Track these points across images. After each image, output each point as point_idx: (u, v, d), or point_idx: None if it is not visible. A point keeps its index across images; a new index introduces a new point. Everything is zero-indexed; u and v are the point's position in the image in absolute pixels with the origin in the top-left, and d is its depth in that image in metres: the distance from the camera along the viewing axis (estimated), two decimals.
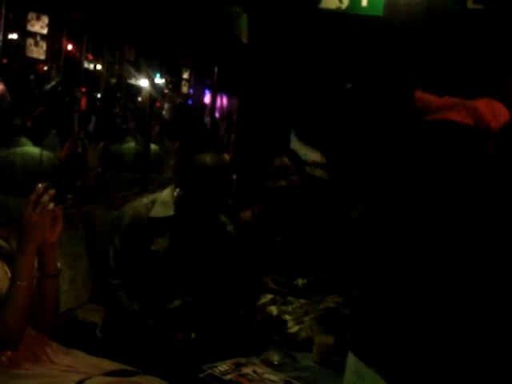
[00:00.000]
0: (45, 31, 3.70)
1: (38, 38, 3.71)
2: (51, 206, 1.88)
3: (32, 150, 4.42)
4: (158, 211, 2.63)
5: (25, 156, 4.38)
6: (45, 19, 3.68)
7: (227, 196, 2.63)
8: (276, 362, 2.29)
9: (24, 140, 4.47)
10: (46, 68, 5.68)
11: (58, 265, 2.04)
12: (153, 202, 2.65)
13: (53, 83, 5.72)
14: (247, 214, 3.12)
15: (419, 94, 2.43)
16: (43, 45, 3.78)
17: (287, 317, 2.77)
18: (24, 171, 4.27)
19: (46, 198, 1.87)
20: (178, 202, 2.65)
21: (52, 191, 1.88)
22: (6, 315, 1.84)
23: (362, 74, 2.47)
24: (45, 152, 4.52)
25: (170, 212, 2.63)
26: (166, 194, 2.69)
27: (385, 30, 2.59)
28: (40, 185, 1.89)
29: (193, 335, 2.50)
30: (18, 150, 4.38)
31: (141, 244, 2.59)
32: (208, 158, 2.57)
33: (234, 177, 3.65)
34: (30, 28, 3.64)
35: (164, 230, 2.62)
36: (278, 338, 2.40)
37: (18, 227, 1.89)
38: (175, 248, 2.62)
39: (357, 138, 2.42)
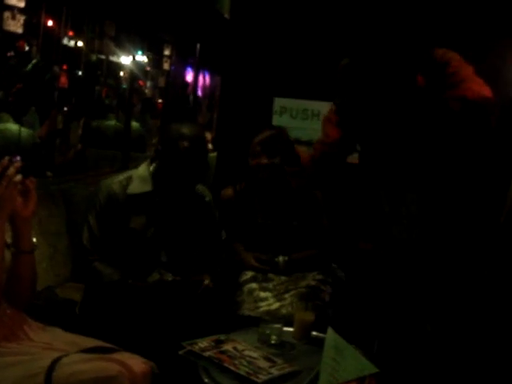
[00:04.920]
0: (22, 4, 3.64)
1: (16, 12, 3.64)
2: (18, 178, 1.82)
3: (13, 126, 4.38)
4: (136, 187, 2.60)
5: (5, 132, 4.33)
6: None
7: (204, 165, 2.60)
8: (273, 342, 2.28)
9: (6, 116, 4.42)
10: (26, 46, 5.60)
11: (34, 240, 2.00)
12: (128, 179, 2.63)
13: (33, 62, 5.64)
14: (229, 192, 3.11)
15: (447, 54, 2.39)
16: (21, 18, 3.71)
17: (268, 294, 2.78)
18: (3, 147, 4.22)
19: (11, 170, 1.81)
20: (155, 177, 2.63)
21: (18, 163, 1.83)
22: None
23: (359, 48, 2.42)
24: (25, 129, 4.47)
25: (148, 187, 2.61)
26: (143, 170, 2.67)
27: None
28: (6, 157, 1.84)
29: (168, 277, 2.51)
30: None
31: (117, 221, 2.57)
32: (183, 126, 2.56)
33: (215, 154, 3.62)
34: (7, 1, 3.57)
35: (142, 207, 2.60)
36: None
37: None
38: (153, 224, 2.60)
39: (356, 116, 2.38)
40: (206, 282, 2.52)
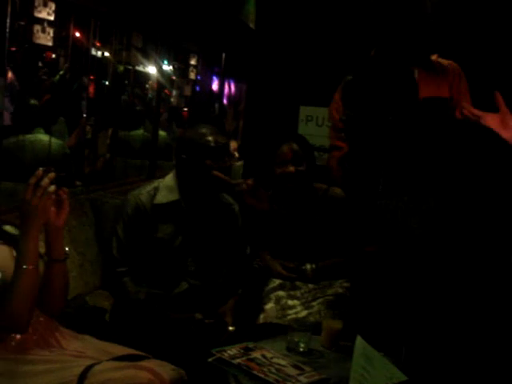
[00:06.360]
0: (52, 17, 3.69)
1: (45, 25, 3.70)
2: (52, 188, 1.86)
3: (43, 137, 4.43)
4: (163, 197, 2.63)
5: (35, 143, 4.39)
6: (52, 5, 3.66)
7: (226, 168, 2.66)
8: (302, 349, 2.28)
9: (36, 127, 4.48)
10: (53, 56, 5.67)
11: (66, 249, 2.04)
12: (155, 189, 2.66)
13: (61, 72, 5.71)
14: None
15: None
16: (50, 31, 3.76)
17: (296, 302, 2.78)
18: (34, 158, 4.27)
19: (45, 180, 1.84)
20: (181, 185, 2.66)
21: (52, 174, 1.86)
22: (14, 299, 1.83)
23: (362, 64, 2.51)
24: (55, 140, 4.52)
25: (175, 196, 2.64)
26: (170, 179, 2.70)
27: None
28: (40, 168, 1.87)
29: (198, 316, 2.52)
30: (30, 136, 4.39)
31: (145, 232, 2.60)
32: (198, 128, 2.65)
33: (242, 163, 3.64)
34: (37, 14, 3.61)
35: (169, 216, 2.62)
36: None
37: (20, 211, 1.87)
38: (181, 233, 2.63)
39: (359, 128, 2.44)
40: (230, 328, 2.55)
